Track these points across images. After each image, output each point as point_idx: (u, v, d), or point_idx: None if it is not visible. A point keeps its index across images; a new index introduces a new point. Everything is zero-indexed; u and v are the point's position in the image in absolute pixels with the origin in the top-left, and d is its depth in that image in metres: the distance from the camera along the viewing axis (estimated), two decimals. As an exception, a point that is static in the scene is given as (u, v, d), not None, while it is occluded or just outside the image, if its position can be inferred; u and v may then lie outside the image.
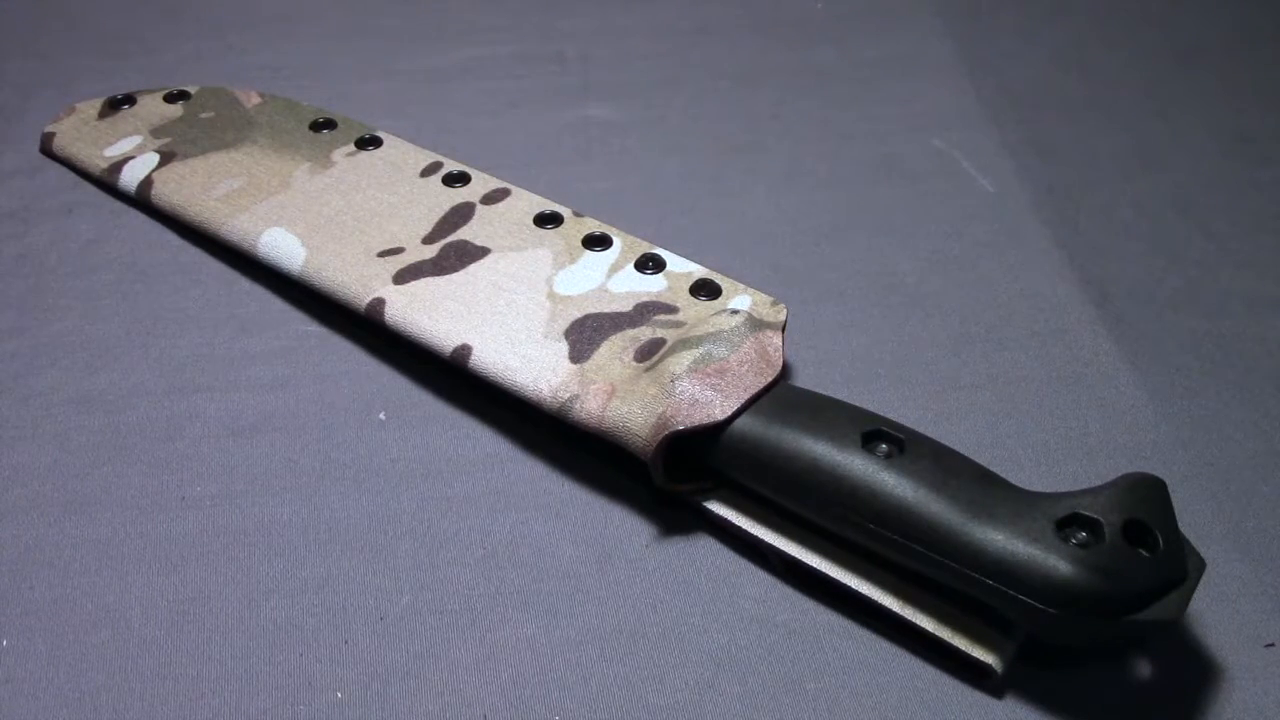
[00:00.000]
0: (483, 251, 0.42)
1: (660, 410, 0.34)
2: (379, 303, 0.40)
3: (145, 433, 0.39)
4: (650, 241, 0.43)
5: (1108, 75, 0.59)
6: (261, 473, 0.38)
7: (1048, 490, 0.33)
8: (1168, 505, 0.30)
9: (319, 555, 0.35)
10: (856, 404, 0.35)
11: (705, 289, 0.40)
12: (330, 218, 0.44)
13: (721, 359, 0.36)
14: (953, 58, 0.59)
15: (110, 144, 0.50)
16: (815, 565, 0.33)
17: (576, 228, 0.43)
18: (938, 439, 0.33)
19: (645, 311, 0.39)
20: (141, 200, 0.48)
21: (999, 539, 0.29)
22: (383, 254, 0.42)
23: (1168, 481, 0.31)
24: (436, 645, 0.33)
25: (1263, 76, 0.59)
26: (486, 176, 0.46)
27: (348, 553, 0.35)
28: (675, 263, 0.41)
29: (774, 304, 0.39)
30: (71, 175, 0.50)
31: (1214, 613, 0.34)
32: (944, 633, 0.32)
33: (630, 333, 0.38)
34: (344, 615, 0.34)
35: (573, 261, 0.42)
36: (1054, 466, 0.38)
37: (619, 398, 0.35)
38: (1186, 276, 0.46)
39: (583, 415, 0.36)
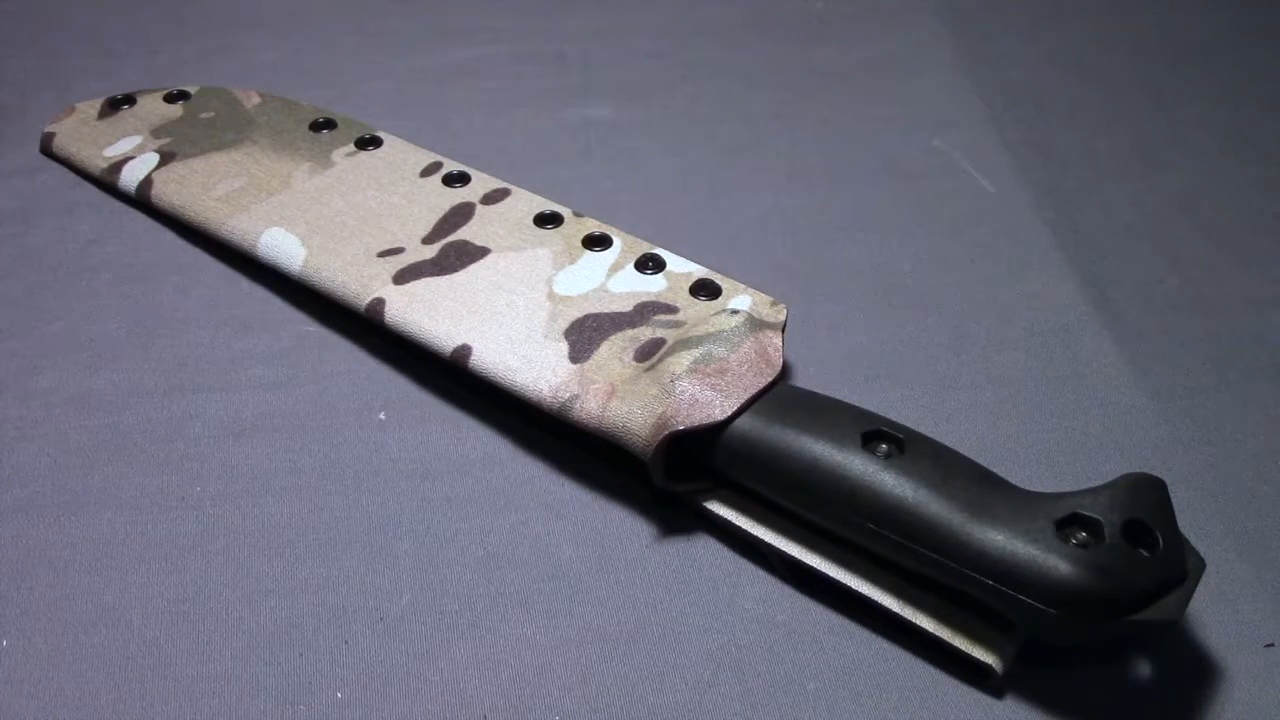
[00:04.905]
0: (483, 251, 0.42)
1: (660, 410, 0.34)
2: (379, 303, 0.40)
3: (145, 433, 0.39)
4: (650, 241, 0.43)
5: (1108, 75, 0.59)
6: (261, 473, 0.38)
7: (1048, 490, 0.33)
8: (1168, 505, 0.30)
9: (319, 555, 0.35)
10: (856, 404, 0.35)
11: (705, 289, 0.40)
12: (330, 218, 0.44)
13: (721, 359, 0.36)
14: (953, 58, 0.59)
15: (110, 144, 0.50)
16: (815, 565, 0.33)
17: (576, 228, 0.43)
18: (938, 439, 0.33)
19: (645, 311, 0.39)
20: (141, 200, 0.48)
21: (999, 539, 0.29)
22: (383, 254, 0.42)
23: (1168, 481, 0.31)
24: (436, 645, 0.33)
25: (1263, 76, 0.59)
26: (486, 176, 0.46)
27: (348, 553, 0.35)
28: (675, 263, 0.41)
29: (774, 304, 0.39)
30: (71, 175, 0.50)
31: (1214, 613, 0.34)
32: (944, 633, 0.32)
33: (630, 333, 0.38)
34: (344, 615, 0.34)
35: (573, 261, 0.42)
36: (1054, 466, 0.38)
37: (619, 398, 0.35)
38: (1186, 276, 0.46)
39: (583, 415, 0.36)
